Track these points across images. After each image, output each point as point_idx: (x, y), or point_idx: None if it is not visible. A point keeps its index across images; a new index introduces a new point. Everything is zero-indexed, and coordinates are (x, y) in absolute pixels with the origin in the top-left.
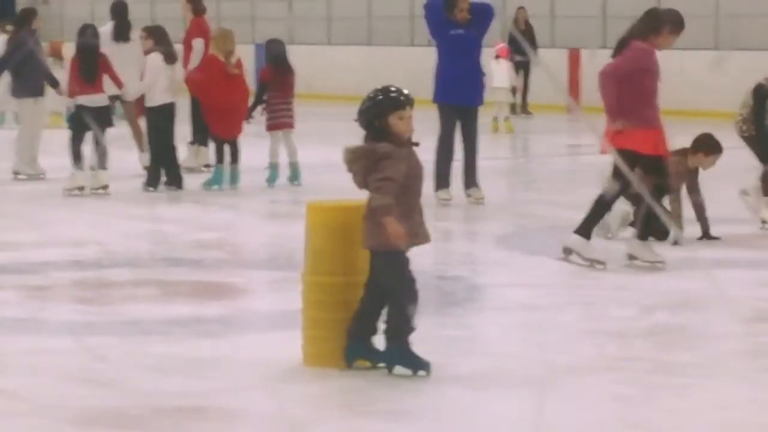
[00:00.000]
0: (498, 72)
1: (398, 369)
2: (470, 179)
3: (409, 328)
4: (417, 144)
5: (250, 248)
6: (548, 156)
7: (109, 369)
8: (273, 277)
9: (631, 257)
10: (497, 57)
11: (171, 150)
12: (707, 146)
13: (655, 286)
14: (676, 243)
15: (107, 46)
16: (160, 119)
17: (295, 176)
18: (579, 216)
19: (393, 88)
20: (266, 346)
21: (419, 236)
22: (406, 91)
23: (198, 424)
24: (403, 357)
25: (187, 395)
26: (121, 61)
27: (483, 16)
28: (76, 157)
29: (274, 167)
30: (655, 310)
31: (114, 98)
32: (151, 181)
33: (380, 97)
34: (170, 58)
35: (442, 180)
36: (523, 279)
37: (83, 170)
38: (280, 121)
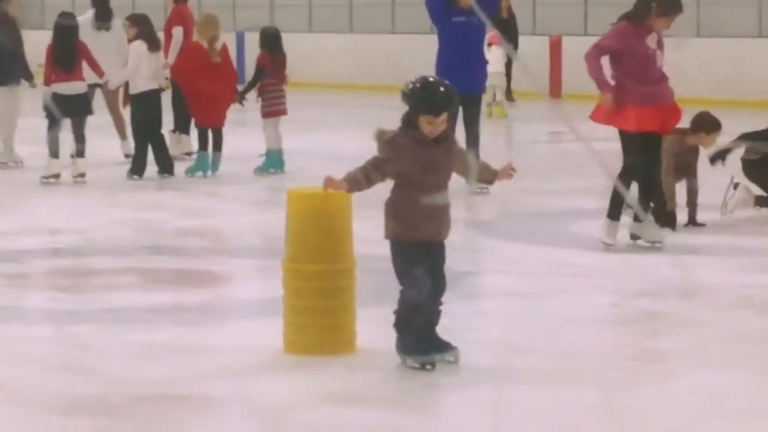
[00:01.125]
0: (491, 58)
1: (409, 361)
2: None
3: (408, 318)
4: (446, 140)
5: (232, 236)
6: (530, 143)
7: (91, 357)
8: (255, 264)
9: (634, 237)
10: (489, 44)
11: (159, 137)
12: (708, 125)
13: (637, 272)
14: (636, 219)
15: (87, 35)
16: (145, 106)
17: (279, 163)
18: (561, 203)
19: (435, 91)
20: (248, 333)
21: (420, 231)
22: (446, 97)
23: (179, 411)
24: (403, 347)
25: (169, 383)
26: (101, 50)
27: (487, 3)
28: (53, 145)
29: (272, 154)
30: (638, 297)
31: (94, 86)
32: (136, 169)
33: (418, 94)
34: (154, 45)
35: None
36: (505, 266)
37: (59, 158)
38: (276, 108)
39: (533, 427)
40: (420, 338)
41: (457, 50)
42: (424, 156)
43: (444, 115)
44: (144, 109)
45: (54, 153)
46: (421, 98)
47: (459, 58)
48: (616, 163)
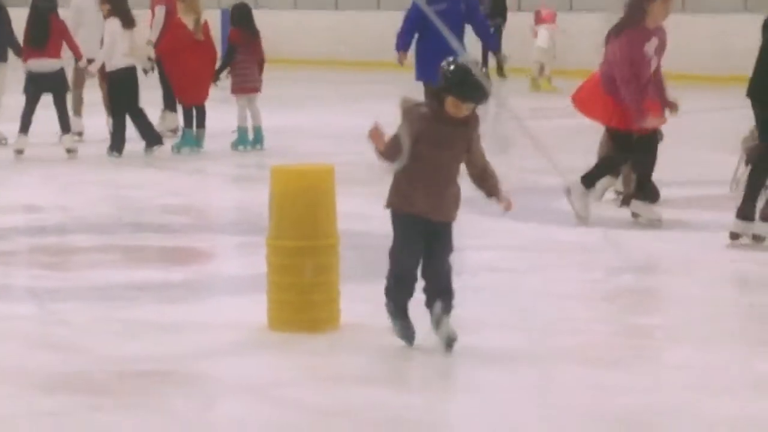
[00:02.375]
0: (540, 35)
1: (393, 325)
2: None
3: (390, 287)
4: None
5: (216, 213)
6: (516, 119)
7: (74, 334)
8: (238, 241)
9: (635, 215)
10: (542, 22)
11: (138, 112)
12: None
13: (624, 249)
14: (639, 198)
15: (92, 12)
16: (121, 83)
17: (258, 140)
18: (545, 179)
19: (471, 81)
20: (231, 310)
21: (415, 206)
22: (479, 91)
23: (164, 388)
24: (387, 310)
25: (153, 360)
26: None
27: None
28: (24, 122)
29: (242, 131)
30: (621, 273)
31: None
32: (115, 147)
33: (456, 75)
34: (128, 23)
35: None
36: (489, 242)
37: (26, 135)
38: (245, 86)
39: (517, 404)
40: (401, 309)
41: (435, 40)
42: (439, 131)
43: (471, 105)
44: (120, 86)
45: (21, 128)
46: (456, 81)
47: (438, 49)
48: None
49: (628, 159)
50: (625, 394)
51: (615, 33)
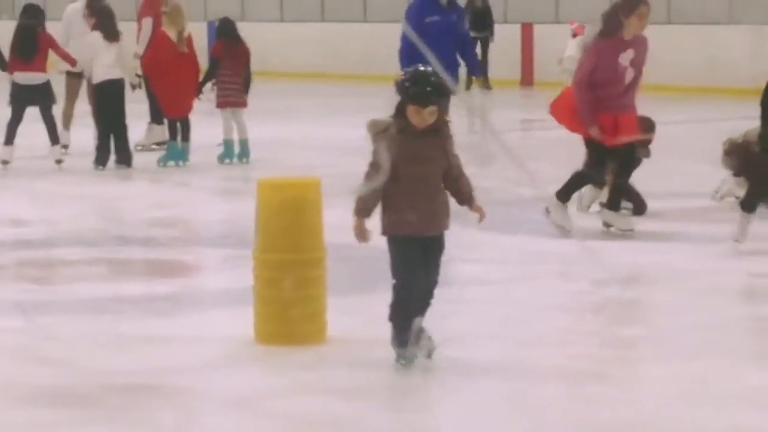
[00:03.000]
0: (571, 46)
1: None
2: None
3: (396, 313)
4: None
5: (202, 226)
6: (502, 131)
7: (61, 348)
8: (225, 254)
9: (607, 225)
10: (574, 35)
11: (120, 127)
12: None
13: (608, 260)
14: (609, 207)
15: (78, 22)
16: (106, 96)
17: (244, 153)
18: (531, 190)
19: (423, 82)
20: (218, 323)
21: (409, 226)
22: (434, 88)
23: (150, 401)
24: (393, 341)
25: (139, 373)
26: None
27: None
28: (9, 133)
29: (228, 144)
30: (607, 285)
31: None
32: (100, 159)
33: (407, 84)
34: (110, 36)
35: None
36: (474, 255)
37: (12, 147)
38: (230, 99)
39: (503, 415)
40: (407, 335)
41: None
42: (410, 146)
43: (432, 108)
44: (106, 99)
45: (6, 140)
46: (409, 87)
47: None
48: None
49: (599, 172)
50: (611, 407)
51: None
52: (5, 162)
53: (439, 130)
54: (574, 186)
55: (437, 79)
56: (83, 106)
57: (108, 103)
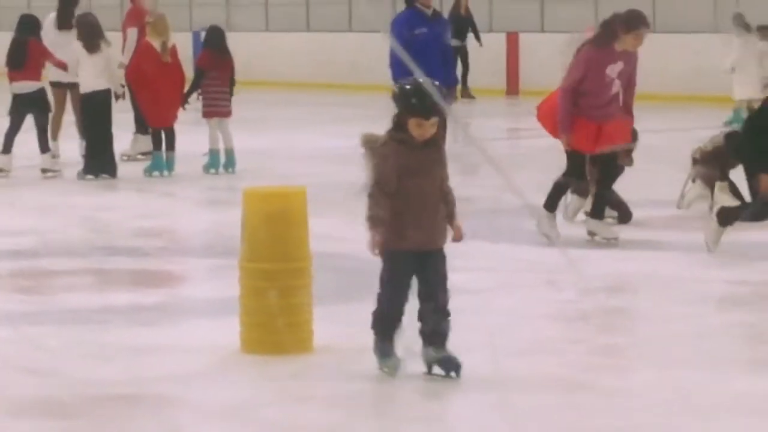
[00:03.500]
0: None
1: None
2: None
3: (377, 323)
4: (434, 144)
5: (188, 236)
6: (488, 140)
7: (48, 358)
8: (211, 264)
9: (591, 233)
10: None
11: (106, 137)
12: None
13: (593, 269)
14: (593, 216)
15: (51, 34)
16: (92, 106)
17: (230, 163)
18: (514, 200)
19: (426, 93)
20: (204, 333)
21: (408, 240)
22: (433, 100)
23: (137, 411)
24: (375, 350)
25: (126, 383)
26: (65, 49)
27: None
28: (6, 142)
29: (214, 154)
30: (594, 293)
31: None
32: (88, 169)
33: (409, 95)
34: (91, 47)
35: None
36: (461, 263)
37: (9, 155)
38: (215, 109)
39: (490, 424)
40: (389, 345)
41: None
42: (414, 160)
43: (434, 119)
44: (92, 109)
45: (4, 149)
46: (411, 100)
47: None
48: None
49: (577, 179)
50: (598, 414)
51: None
52: (3, 171)
53: (436, 142)
54: (556, 195)
55: (438, 89)
56: (68, 117)
57: (95, 113)
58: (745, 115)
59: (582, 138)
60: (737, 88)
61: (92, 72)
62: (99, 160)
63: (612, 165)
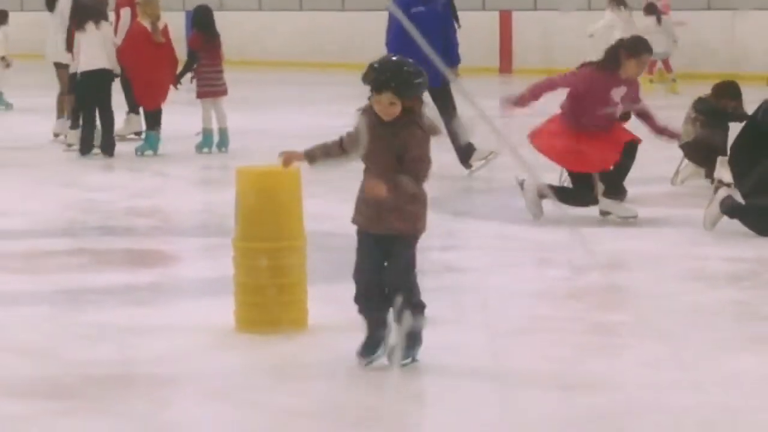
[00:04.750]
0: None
1: None
2: (466, 155)
3: (357, 304)
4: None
5: (182, 215)
6: (478, 119)
7: (42, 339)
8: (205, 243)
9: (604, 213)
10: (661, 14)
11: (106, 116)
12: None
13: (590, 246)
14: (608, 195)
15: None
16: (89, 85)
17: (223, 142)
18: (506, 177)
19: (370, 67)
20: (198, 313)
21: (356, 218)
22: (380, 73)
23: (131, 391)
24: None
25: (121, 363)
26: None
27: None
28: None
29: (207, 133)
30: (588, 271)
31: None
32: (83, 148)
33: (365, 74)
34: (78, 26)
35: None
36: (452, 242)
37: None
38: (210, 89)
39: (482, 403)
40: (371, 324)
41: (407, 45)
42: (373, 136)
43: (387, 94)
44: (89, 89)
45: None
46: (367, 70)
47: (418, 52)
48: None
49: (584, 195)
50: (592, 393)
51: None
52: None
53: (400, 121)
54: (560, 195)
55: (386, 63)
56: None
57: (93, 93)
58: None
59: (584, 159)
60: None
61: (89, 52)
62: (104, 138)
63: (633, 151)
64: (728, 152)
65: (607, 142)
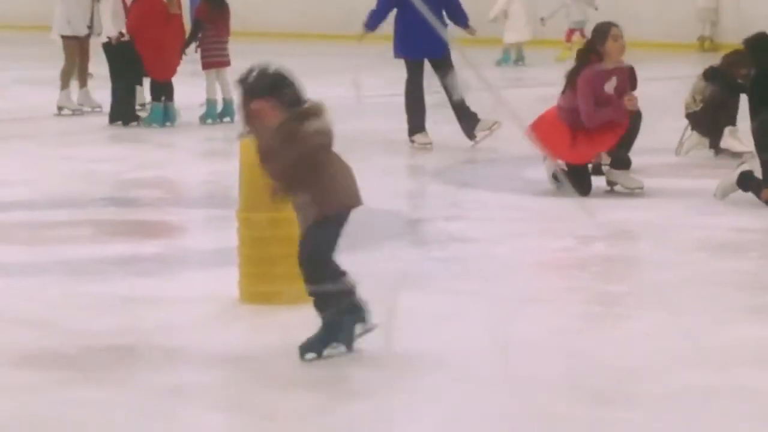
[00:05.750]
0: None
1: None
2: (470, 126)
3: None
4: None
5: (186, 186)
6: (482, 89)
7: (45, 309)
8: (209, 214)
9: (611, 183)
10: None
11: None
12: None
13: (591, 217)
14: (614, 166)
15: None
16: (115, 53)
17: (227, 113)
18: (514, 148)
19: (247, 76)
20: (203, 283)
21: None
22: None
23: (134, 362)
24: None
25: (124, 334)
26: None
27: None
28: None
29: (211, 104)
30: (592, 241)
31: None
32: (117, 116)
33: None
34: None
35: (418, 124)
36: (458, 212)
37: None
38: (214, 60)
39: (486, 373)
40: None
41: (411, 16)
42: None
43: (255, 101)
44: (115, 56)
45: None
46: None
47: (413, 25)
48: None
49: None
50: (596, 363)
51: (576, 72)
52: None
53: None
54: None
55: (246, 75)
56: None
57: (118, 61)
58: (514, 57)
59: (581, 151)
60: (508, 33)
61: (106, 19)
62: (123, 108)
63: (639, 121)
64: (735, 123)
65: (606, 128)
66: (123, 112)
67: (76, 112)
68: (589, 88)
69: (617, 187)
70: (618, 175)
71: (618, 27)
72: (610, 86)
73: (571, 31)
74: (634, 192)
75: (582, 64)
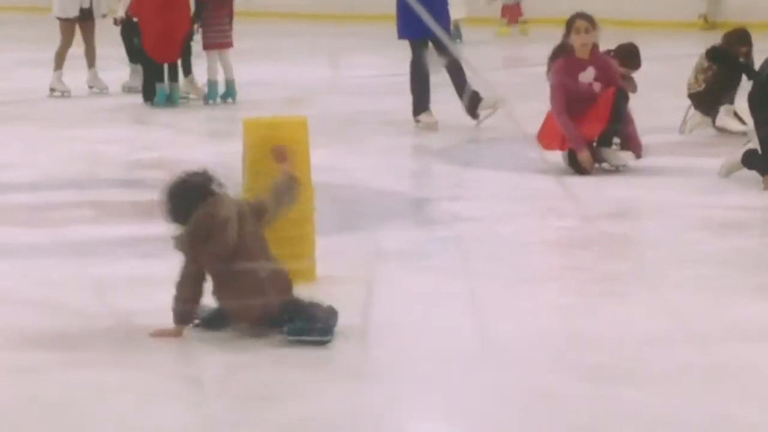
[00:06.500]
0: None
1: None
2: (473, 105)
3: None
4: None
5: (190, 167)
6: (487, 69)
7: (49, 291)
8: None
9: (599, 161)
10: None
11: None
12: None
13: (594, 195)
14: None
15: None
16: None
17: (229, 93)
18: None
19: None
20: None
21: None
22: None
23: (139, 343)
24: None
25: (128, 315)
26: None
27: None
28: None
29: (212, 85)
30: (595, 220)
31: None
32: (147, 95)
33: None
34: None
35: (422, 104)
36: (462, 192)
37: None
38: (216, 41)
39: (491, 351)
40: None
41: None
42: None
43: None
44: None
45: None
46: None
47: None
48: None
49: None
50: (599, 342)
51: (551, 60)
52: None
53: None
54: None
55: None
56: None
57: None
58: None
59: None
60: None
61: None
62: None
63: (621, 98)
64: (733, 102)
65: (592, 114)
66: (151, 90)
67: (65, 94)
68: (558, 79)
69: (605, 165)
70: (606, 152)
71: (585, 19)
72: (586, 76)
73: (507, 8)
74: (619, 169)
75: (555, 55)
